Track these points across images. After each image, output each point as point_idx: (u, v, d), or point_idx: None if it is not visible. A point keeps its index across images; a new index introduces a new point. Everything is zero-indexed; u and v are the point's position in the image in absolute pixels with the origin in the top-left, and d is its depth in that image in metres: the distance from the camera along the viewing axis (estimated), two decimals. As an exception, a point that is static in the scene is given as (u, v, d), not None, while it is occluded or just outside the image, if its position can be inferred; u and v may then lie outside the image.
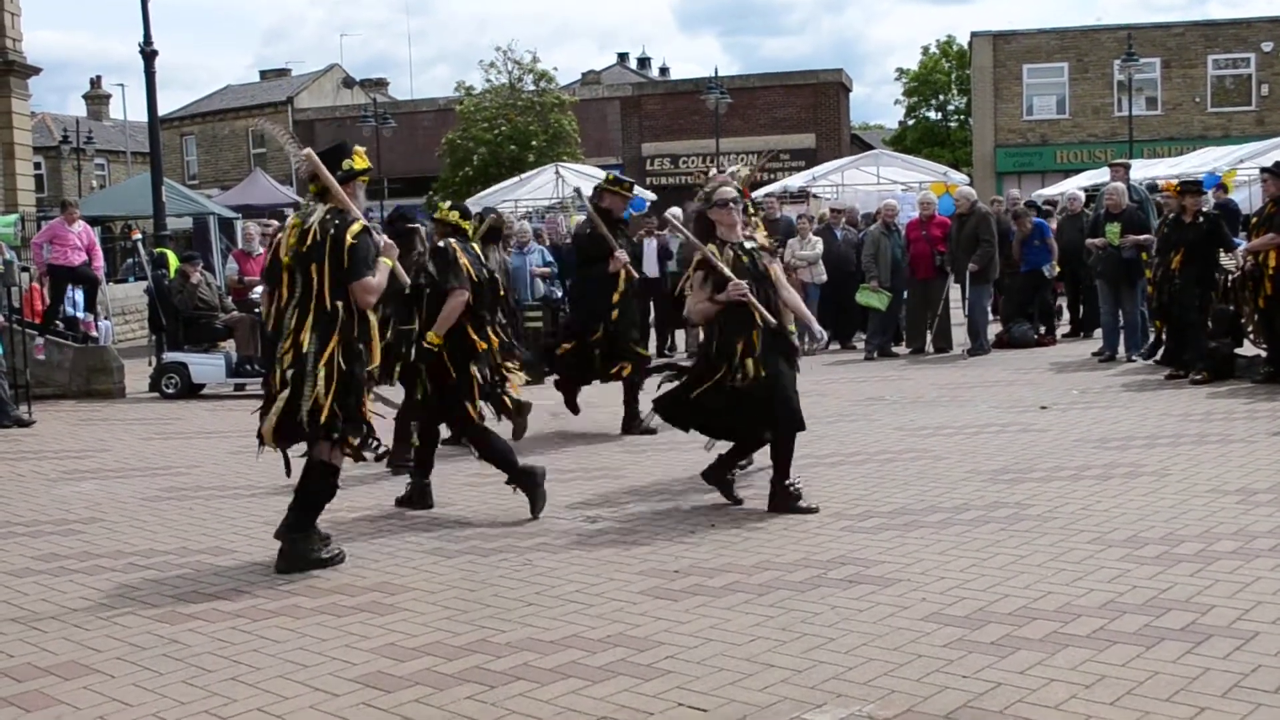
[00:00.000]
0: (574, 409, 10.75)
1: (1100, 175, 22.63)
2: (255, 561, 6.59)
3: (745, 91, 44.29)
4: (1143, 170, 22.73)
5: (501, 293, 8.03)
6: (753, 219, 8.20)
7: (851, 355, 16.26)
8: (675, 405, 7.57)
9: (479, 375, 7.54)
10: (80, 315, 17.49)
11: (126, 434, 11.99)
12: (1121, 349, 14.17)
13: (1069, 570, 5.70)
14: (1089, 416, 10.33)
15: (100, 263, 18.33)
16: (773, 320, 7.09)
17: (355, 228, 6.30)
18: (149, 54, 18.71)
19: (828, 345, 15.49)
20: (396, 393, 8.22)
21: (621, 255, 10.28)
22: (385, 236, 6.70)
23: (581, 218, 19.21)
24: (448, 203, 8.44)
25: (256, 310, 15.06)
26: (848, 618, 5.16)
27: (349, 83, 55.67)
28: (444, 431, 8.13)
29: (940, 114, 55.83)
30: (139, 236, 24.00)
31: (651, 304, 17.20)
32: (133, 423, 12.83)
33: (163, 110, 27.41)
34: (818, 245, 17.06)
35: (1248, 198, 20.15)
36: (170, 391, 14.76)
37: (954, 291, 16.30)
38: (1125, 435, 9.31)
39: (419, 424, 8.22)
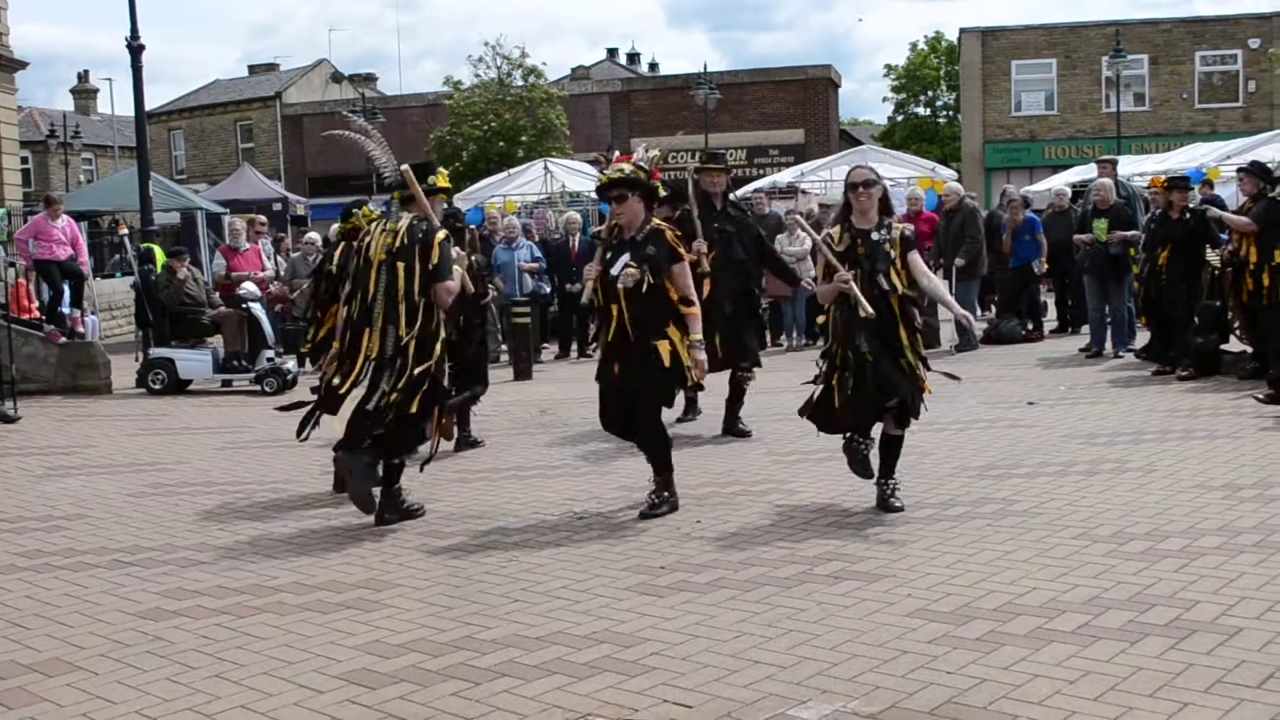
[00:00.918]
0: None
1: (1088, 171, 22.65)
2: (240, 558, 6.57)
3: (734, 87, 44.24)
4: (1130, 166, 22.74)
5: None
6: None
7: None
8: (820, 411, 7.23)
9: None
10: (66, 310, 17.42)
11: (112, 430, 11.96)
12: (1108, 345, 14.20)
13: (1054, 566, 5.71)
14: (1076, 412, 10.35)
15: (85, 257, 18.27)
16: (870, 311, 6.92)
17: (439, 235, 7.12)
18: (136, 48, 18.64)
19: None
20: None
21: (698, 245, 9.29)
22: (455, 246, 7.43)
23: (573, 214, 19.26)
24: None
25: (243, 306, 15.07)
26: (833, 614, 5.16)
27: (338, 78, 55.56)
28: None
29: (929, 110, 55.80)
30: (126, 231, 23.97)
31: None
32: (119, 419, 12.79)
33: (150, 105, 27.40)
34: (805, 241, 17.03)
35: (1234, 194, 20.18)
36: (157, 387, 14.72)
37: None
38: (1112, 431, 9.33)
39: None
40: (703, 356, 7.16)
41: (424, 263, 6.99)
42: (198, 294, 15.66)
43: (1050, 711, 4.06)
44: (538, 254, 17.17)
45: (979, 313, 16.95)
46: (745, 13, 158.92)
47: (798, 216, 9.09)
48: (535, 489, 8.14)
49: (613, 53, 67.03)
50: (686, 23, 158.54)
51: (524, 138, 38.89)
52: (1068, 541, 6.13)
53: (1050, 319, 17.59)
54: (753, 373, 10.10)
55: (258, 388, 14.40)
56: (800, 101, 46.08)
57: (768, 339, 10.34)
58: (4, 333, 13.35)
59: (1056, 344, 15.81)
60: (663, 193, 7.45)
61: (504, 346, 15.62)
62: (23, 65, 29.23)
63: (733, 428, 9.97)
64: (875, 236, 7.02)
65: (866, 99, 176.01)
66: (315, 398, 7.49)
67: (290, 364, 14.94)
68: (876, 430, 7.16)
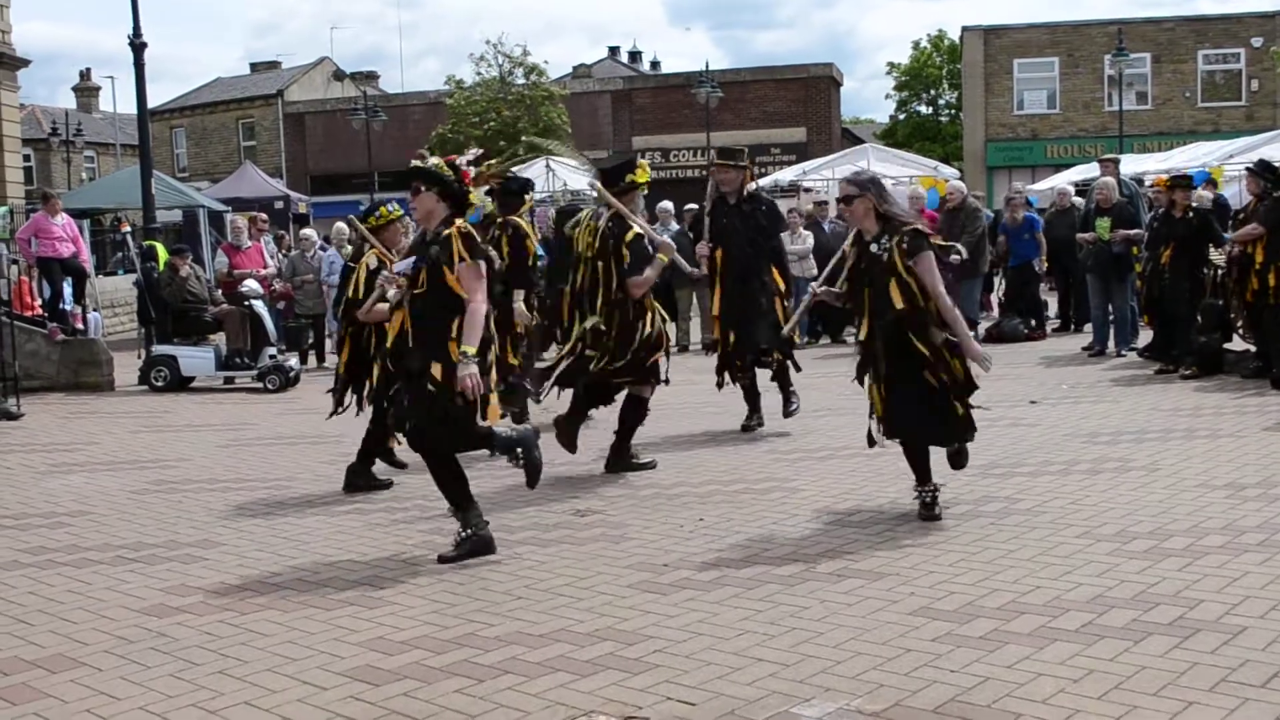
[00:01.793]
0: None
1: (1090, 170, 22.63)
2: (244, 555, 6.58)
3: (736, 85, 44.19)
4: (1132, 165, 22.72)
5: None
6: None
7: (841, 349, 16.24)
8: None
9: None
10: (69, 307, 17.43)
11: (115, 427, 11.96)
12: (1111, 343, 14.19)
13: (1057, 565, 5.71)
14: (1078, 411, 10.34)
15: (86, 255, 18.27)
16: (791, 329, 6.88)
17: (629, 235, 8.02)
18: (138, 46, 18.62)
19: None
20: None
21: (700, 247, 9.57)
22: (665, 237, 8.26)
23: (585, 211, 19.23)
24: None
25: (245, 303, 15.07)
26: (836, 612, 5.16)
27: (339, 75, 55.50)
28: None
29: (931, 108, 55.82)
30: (128, 229, 23.95)
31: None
32: (121, 416, 12.80)
33: (152, 103, 27.38)
34: (808, 239, 17.06)
35: (1238, 193, 20.17)
36: (159, 384, 14.72)
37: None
38: (1114, 430, 9.32)
39: None
40: (468, 373, 5.97)
41: (618, 260, 8.01)
42: (200, 291, 15.67)
43: (1054, 710, 4.05)
44: (540, 250, 17.14)
45: (982, 312, 16.96)
46: (747, 10, 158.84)
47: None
48: (538, 486, 8.12)
49: (614, 51, 67.00)
50: (688, 20, 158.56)
51: (525, 137, 38.89)
52: (1071, 540, 6.13)
53: (1052, 317, 17.59)
54: (773, 359, 9.86)
55: (260, 385, 14.40)
56: (802, 100, 46.05)
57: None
58: (7, 330, 13.36)
59: (1059, 343, 15.81)
60: (476, 199, 6.70)
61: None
62: (25, 63, 29.23)
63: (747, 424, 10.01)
64: (873, 249, 6.60)
65: (868, 97, 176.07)
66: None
67: (293, 361, 14.96)
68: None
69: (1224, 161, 21.60)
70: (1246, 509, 6.63)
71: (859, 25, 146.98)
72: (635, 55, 68.03)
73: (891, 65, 56.07)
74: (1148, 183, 18.00)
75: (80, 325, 17.14)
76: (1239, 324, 12.19)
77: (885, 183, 7.15)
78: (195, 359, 14.96)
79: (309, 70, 54.44)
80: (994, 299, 18.89)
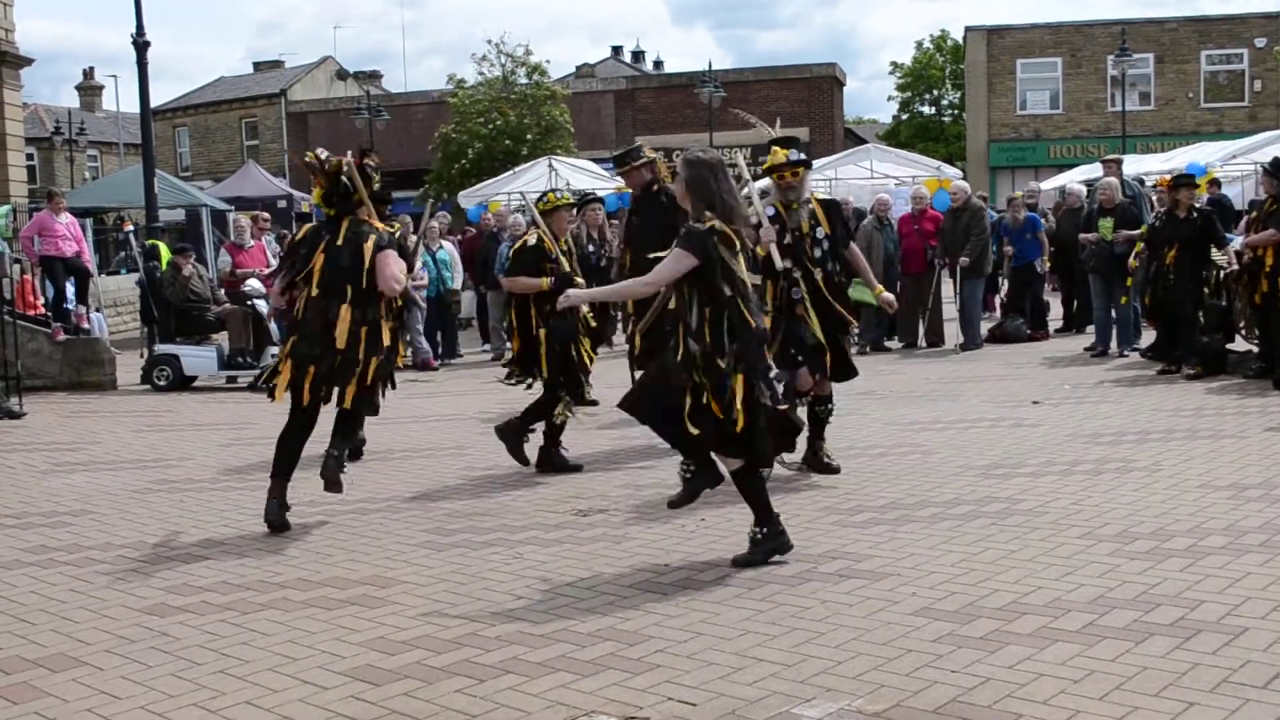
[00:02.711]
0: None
1: (1093, 170, 22.63)
2: (245, 554, 6.58)
3: (739, 85, 44.14)
4: (1135, 166, 22.71)
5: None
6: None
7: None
8: None
9: None
10: (72, 307, 17.44)
11: (117, 426, 11.97)
12: (1114, 344, 14.18)
13: (1059, 565, 5.70)
14: (1081, 411, 10.34)
15: (88, 254, 18.28)
16: None
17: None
18: (141, 45, 18.64)
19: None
20: None
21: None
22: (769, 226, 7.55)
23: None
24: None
25: (249, 303, 15.08)
26: (838, 612, 5.16)
27: (343, 75, 55.53)
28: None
29: (934, 108, 55.79)
30: (131, 228, 23.98)
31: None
32: (124, 415, 12.81)
33: (155, 101, 27.39)
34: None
35: (1240, 193, 20.16)
36: (162, 384, 14.74)
37: (947, 286, 16.30)
38: (1117, 430, 9.31)
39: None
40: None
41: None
42: (203, 291, 15.68)
43: (1055, 711, 4.05)
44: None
45: (985, 313, 16.96)
46: (749, 10, 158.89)
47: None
48: (539, 486, 8.14)
49: (617, 50, 67.03)
50: (691, 20, 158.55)
51: (529, 136, 38.88)
52: (1073, 541, 6.13)
53: (1056, 318, 17.58)
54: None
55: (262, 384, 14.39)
56: (805, 100, 46.02)
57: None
58: (10, 329, 13.38)
59: (1061, 343, 15.81)
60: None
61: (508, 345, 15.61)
62: (28, 62, 29.23)
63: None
64: None
65: (871, 97, 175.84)
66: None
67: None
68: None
69: (1226, 162, 21.58)
70: (1248, 510, 6.62)
71: (861, 25, 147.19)
72: (638, 55, 68.10)
73: (894, 65, 56.09)
74: (1149, 183, 18.01)
75: (86, 325, 17.15)
76: (1241, 325, 12.18)
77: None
78: (198, 358, 14.98)
79: (312, 69, 54.48)
80: (996, 299, 18.88)
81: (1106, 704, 4.08)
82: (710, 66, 40.11)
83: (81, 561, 6.54)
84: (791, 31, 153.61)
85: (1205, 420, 9.64)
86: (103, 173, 53.93)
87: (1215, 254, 12.32)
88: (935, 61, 54.59)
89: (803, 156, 8.13)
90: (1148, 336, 13.89)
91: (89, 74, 64.49)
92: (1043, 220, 17.69)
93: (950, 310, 16.09)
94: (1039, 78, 42.61)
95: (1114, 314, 14.23)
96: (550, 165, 27.02)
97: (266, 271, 16.67)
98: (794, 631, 4.94)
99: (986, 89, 42.74)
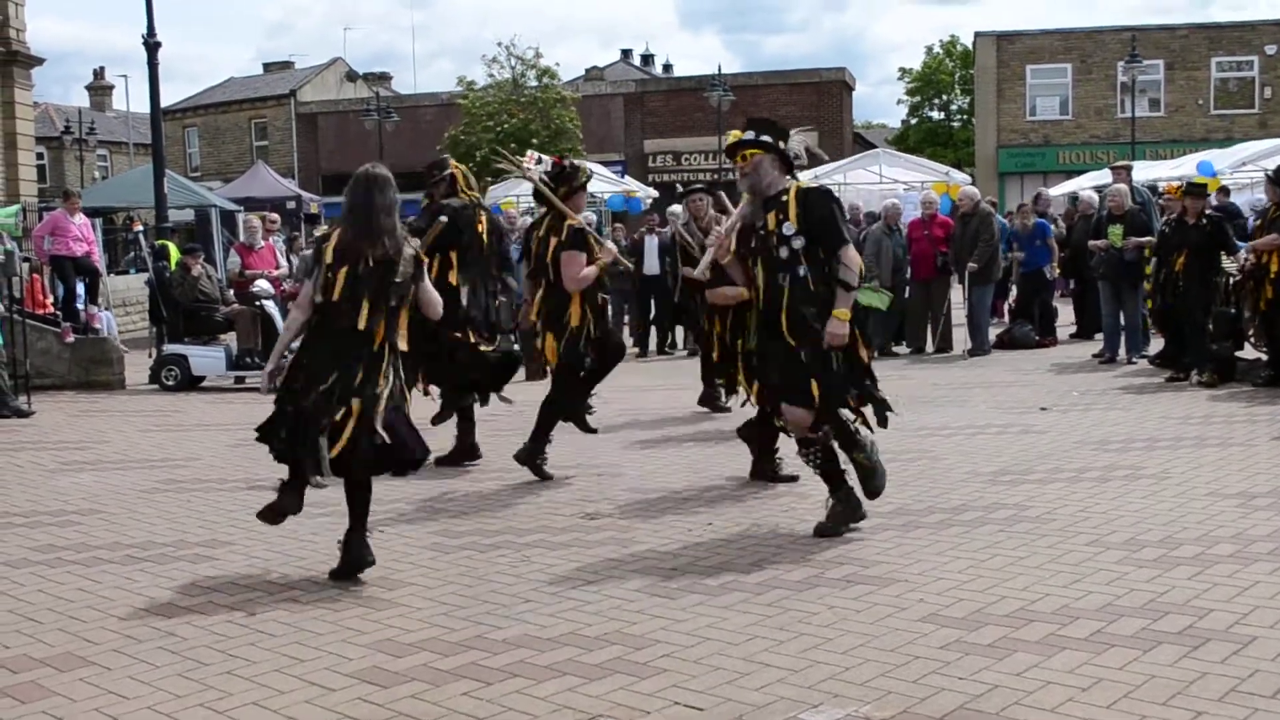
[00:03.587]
0: None
1: (1102, 177, 22.60)
2: (253, 555, 6.58)
3: (748, 89, 44.17)
4: (1145, 172, 22.67)
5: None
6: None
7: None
8: None
9: None
10: (81, 306, 17.48)
11: (126, 426, 11.99)
12: (1122, 351, 14.15)
13: (1067, 572, 5.69)
14: (1089, 418, 10.32)
15: (97, 254, 18.31)
16: None
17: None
18: (152, 45, 18.71)
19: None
20: None
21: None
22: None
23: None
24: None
25: (257, 303, 15.10)
26: (845, 618, 5.15)
27: (352, 76, 55.62)
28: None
29: (943, 114, 55.76)
30: (140, 228, 24.02)
31: (652, 301, 17.30)
32: (132, 414, 12.83)
33: (165, 102, 27.45)
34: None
35: (1249, 200, 20.12)
36: (170, 384, 14.76)
37: (956, 292, 16.28)
38: (1125, 437, 9.30)
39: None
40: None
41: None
42: (211, 291, 15.71)
43: (1062, 718, 4.04)
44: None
45: (993, 319, 16.92)
46: (758, 14, 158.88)
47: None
48: (547, 490, 8.14)
49: (627, 54, 67.04)
50: (700, 24, 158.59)
51: (536, 140, 38.90)
52: (1081, 548, 6.12)
53: (1069, 324, 17.53)
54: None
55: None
56: (814, 104, 45.96)
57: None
58: (19, 328, 13.40)
59: (1070, 349, 15.77)
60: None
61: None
62: (39, 61, 29.31)
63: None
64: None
65: (880, 102, 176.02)
66: None
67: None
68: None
69: (1235, 169, 21.54)
70: (1257, 518, 6.61)
71: (870, 30, 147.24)
72: (647, 58, 68.12)
73: (903, 70, 56.09)
74: (1160, 189, 17.97)
75: (97, 324, 17.19)
76: (1250, 332, 12.15)
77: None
78: (206, 358, 15.00)
79: (322, 71, 54.56)
80: (1005, 305, 18.84)
81: (1114, 712, 4.07)
82: (719, 70, 40.08)
83: (89, 561, 6.55)
84: (800, 36, 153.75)
85: (1214, 428, 9.61)
86: (112, 172, 54.05)
87: (1226, 261, 12.29)
88: (945, 67, 54.56)
89: (762, 137, 6.95)
90: (1156, 344, 13.87)
91: (99, 74, 64.63)
92: (1051, 226, 17.66)
93: (959, 316, 16.07)
94: (1049, 83, 42.55)
95: (1123, 321, 14.20)
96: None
97: (275, 273, 16.72)
98: (801, 637, 4.93)
99: (996, 94, 42.68)
